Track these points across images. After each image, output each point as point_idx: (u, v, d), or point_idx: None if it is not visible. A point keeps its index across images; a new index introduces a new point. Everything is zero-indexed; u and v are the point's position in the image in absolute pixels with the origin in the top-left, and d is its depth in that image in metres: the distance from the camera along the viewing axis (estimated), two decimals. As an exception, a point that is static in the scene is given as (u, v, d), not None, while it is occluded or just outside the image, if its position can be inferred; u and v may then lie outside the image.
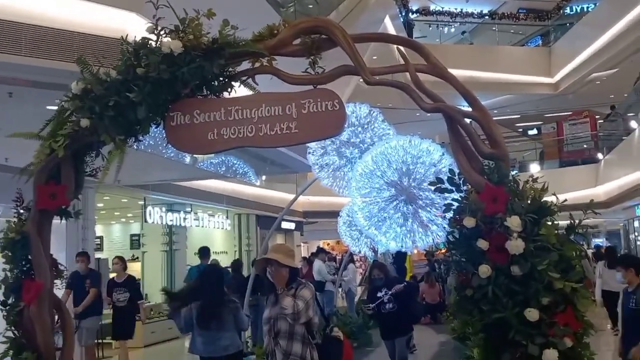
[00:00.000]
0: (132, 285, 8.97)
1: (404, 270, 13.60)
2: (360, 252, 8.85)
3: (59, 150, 3.26)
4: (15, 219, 3.47)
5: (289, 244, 19.39)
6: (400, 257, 12.57)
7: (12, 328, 3.38)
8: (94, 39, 5.56)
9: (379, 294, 6.95)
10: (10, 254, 3.41)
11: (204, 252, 11.20)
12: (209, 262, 10.21)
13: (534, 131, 24.92)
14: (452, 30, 24.87)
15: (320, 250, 15.61)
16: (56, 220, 3.51)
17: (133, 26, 5.14)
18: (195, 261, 15.73)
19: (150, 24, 3.31)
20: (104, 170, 3.38)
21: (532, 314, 2.81)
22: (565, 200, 3.09)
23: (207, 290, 5.21)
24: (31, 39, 5.41)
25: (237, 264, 10.85)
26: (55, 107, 3.45)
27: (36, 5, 5.51)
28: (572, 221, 3.03)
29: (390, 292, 6.87)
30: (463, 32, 24.47)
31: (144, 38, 3.30)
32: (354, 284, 14.73)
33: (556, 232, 2.95)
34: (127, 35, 3.34)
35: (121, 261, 8.99)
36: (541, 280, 2.83)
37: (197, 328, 5.18)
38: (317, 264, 14.10)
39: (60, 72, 5.27)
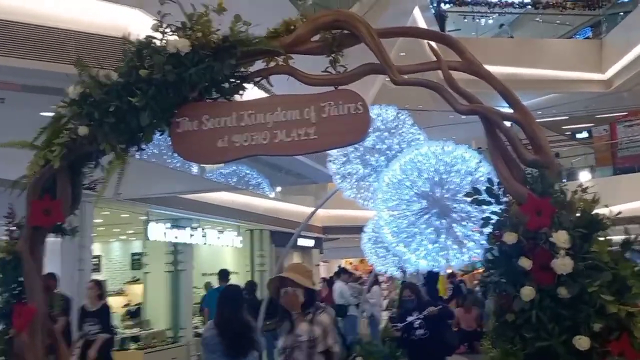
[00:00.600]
0: (105, 315, 8.48)
1: (437, 293, 13.51)
2: (386, 272, 8.83)
3: (54, 161, 3.30)
4: (7, 237, 3.53)
5: (306, 263, 19.38)
6: (431, 278, 12.47)
7: (2, 358, 3.43)
8: (93, 39, 5.65)
9: (409, 318, 6.93)
10: (0, 275, 3.46)
11: (223, 274, 11.56)
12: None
13: (584, 134, 24.70)
14: (490, 22, 24.82)
15: (342, 270, 15.60)
16: (50, 239, 3.56)
17: (136, 24, 5.23)
18: (203, 283, 15.88)
19: (155, 21, 3.36)
20: (104, 183, 3.43)
21: (582, 342, 2.78)
22: (620, 212, 3.06)
23: (227, 315, 5.34)
24: (24, 39, 5.51)
25: (251, 286, 10.99)
26: (51, 114, 3.51)
27: (29, 2, 5.62)
28: (628, 236, 3.00)
29: (421, 315, 6.86)
30: (501, 25, 24.40)
31: (147, 37, 3.34)
32: (378, 309, 14.69)
33: (609, 248, 2.92)
34: (129, 34, 3.40)
35: (97, 286, 8.58)
36: (592, 304, 2.80)
37: (211, 355, 5.30)
38: (339, 285, 14.10)
39: (56, 75, 5.34)
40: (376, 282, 15.05)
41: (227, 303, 5.47)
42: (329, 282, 15.65)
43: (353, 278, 15.87)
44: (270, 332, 9.11)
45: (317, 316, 4.02)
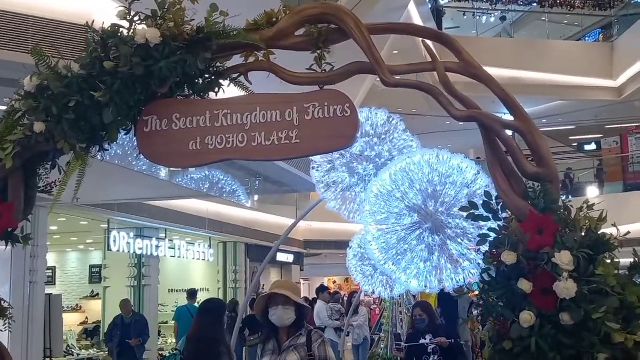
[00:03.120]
0: None
1: (455, 319, 12.42)
2: (373, 292, 8.82)
3: (6, 160, 3.28)
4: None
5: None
6: (445, 298, 11.57)
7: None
8: (53, 25, 5.61)
9: (422, 341, 7.03)
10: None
11: (193, 293, 12.24)
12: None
13: (592, 146, 24.91)
14: (492, 19, 25.03)
15: (322, 288, 15.59)
16: (0, 247, 3.52)
17: (101, 10, 5.19)
18: (169, 300, 15.80)
19: (122, 8, 3.35)
20: (61, 186, 3.40)
21: (585, 374, 2.80)
22: (629, 232, 3.08)
23: (205, 331, 5.38)
24: (-24, 24, 5.48)
25: (234, 305, 11.30)
26: (4, 107, 3.48)
27: (-17, -17, 5.59)
28: (636, 259, 3.02)
29: (434, 340, 6.99)
30: (502, 18, 24.57)
31: (113, 25, 3.33)
32: (368, 333, 14.56)
33: (616, 272, 2.94)
34: (93, 21, 3.37)
35: None
36: (597, 332, 2.81)
37: None
38: (318, 305, 14.12)
39: (11, 65, 5.32)
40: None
41: (208, 317, 5.53)
42: (310, 303, 15.63)
43: (334, 299, 15.78)
44: (254, 347, 9.29)
45: (315, 348, 4.09)
